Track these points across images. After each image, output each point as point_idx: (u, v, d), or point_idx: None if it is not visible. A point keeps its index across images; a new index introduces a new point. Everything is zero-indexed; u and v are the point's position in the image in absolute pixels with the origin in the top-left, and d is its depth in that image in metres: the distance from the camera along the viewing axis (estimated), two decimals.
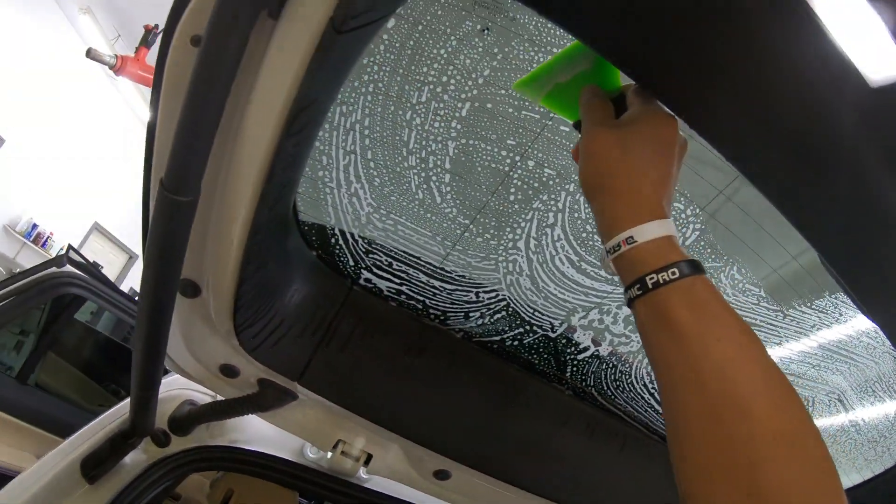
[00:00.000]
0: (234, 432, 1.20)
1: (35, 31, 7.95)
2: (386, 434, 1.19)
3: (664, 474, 1.34)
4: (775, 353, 1.23)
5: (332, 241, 1.04)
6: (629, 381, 1.26)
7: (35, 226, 8.88)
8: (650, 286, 0.58)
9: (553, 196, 1.00)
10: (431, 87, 0.89)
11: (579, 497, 1.31)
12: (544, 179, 0.98)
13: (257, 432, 1.23)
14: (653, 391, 1.28)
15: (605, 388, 1.26)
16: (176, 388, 1.20)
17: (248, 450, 1.16)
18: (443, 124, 0.93)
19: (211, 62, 0.58)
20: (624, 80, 0.76)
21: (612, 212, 0.63)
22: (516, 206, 1.01)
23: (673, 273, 0.57)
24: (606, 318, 1.16)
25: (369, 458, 1.22)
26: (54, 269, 2.59)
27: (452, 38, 0.84)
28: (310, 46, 0.60)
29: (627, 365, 1.24)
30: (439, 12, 0.81)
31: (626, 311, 1.16)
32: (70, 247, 3.17)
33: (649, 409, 1.31)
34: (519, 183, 0.98)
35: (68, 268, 2.67)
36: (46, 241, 9.05)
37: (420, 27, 0.82)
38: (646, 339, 0.60)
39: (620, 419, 1.31)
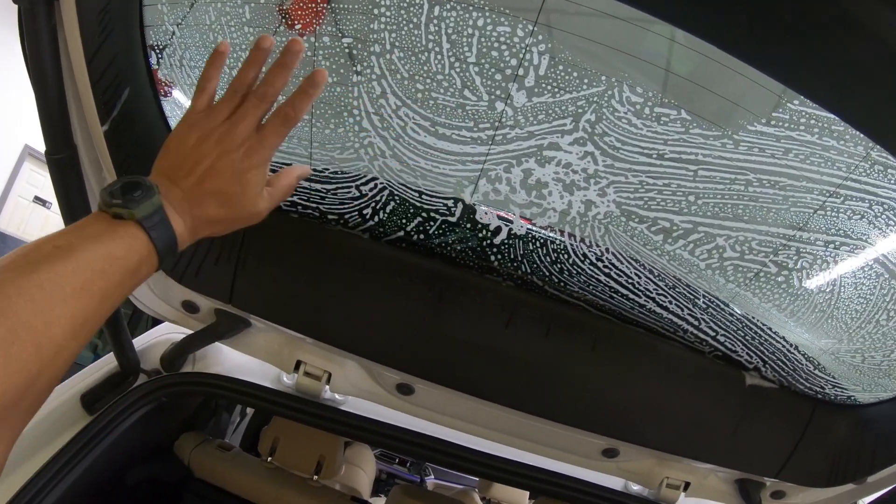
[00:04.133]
0: (217, 366, 1.39)
1: None
2: (340, 351, 1.27)
3: (654, 377, 1.18)
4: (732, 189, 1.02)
5: None
6: (571, 260, 1.14)
7: None
8: None
9: (365, 64, 1.01)
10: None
11: (551, 408, 1.20)
12: (346, 50, 1.01)
13: (239, 366, 1.41)
14: (608, 269, 1.14)
15: (548, 273, 1.16)
16: (165, 334, 1.44)
17: (222, 375, 1.34)
18: (238, 33, 1.03)
19: (34, 50, 0.84)
20: None
21: None
22: (339, 88, 1.05)
23: None
24: (501, 187, 1.10)
25: (330, 376, 1.31)
26: None
27: None
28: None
29: (559, 242, 1.13)
30: None
31: (519, 173, 1.09)
32: None
33: (616, 295, 1.16)
34: (326, 62, 1.02)
35: None
36: None
37: None
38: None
39: (584, 311, 1.19)
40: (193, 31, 1.08)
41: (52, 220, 8.46)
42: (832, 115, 0.93)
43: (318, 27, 1.01)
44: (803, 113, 0.94)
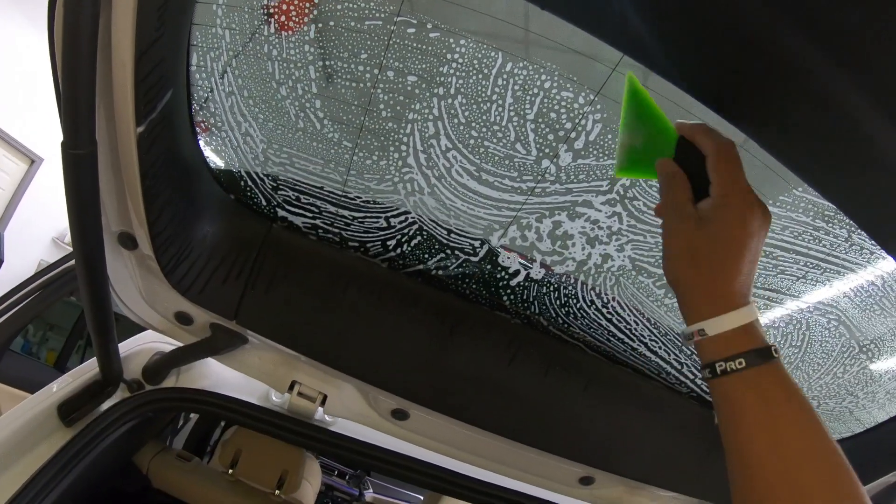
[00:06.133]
0: (203, 379, 1.36)
1: None
2: (338, 374, 1.28)
3: (637, 414, 1.29)
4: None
5: (242, 183, 1.17)
6: (578, 305, 1.23)
7: None
8: (718, 372, 0.68)
9: (424, 104, 1.04)
10: (275, 17, 1.00)
11: (542, 439, 1.29)
12: (409, 88, 1.03)
13: (224, 379, 1.38)
14: (611, 315, 1.24)
15: (555, 315, 1.25)
16: (148, 342, 1.39)
17: (213, 392, 1.31)
18: (297, 51, 1.02)
19: (73, 31, 0.75)
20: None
21: (689, 303, 0.73)
22: (391, 124, 1.07)
23: (739, 363, 0.66)
24: (529, 234, 1.17)
25: (326, 398, 1.31)
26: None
27: None
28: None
29: (570, 287, 1.22)
30: None
31: (549, 224, 1.16)
32: None
33: (612, 338, 1.27)
34: (385, 97, 1.04)
35: None
36: None
37: None
38: (718, 416, 0.70)
39: (581, 351, 1.28)
40: (245, 37, 1.05)
41: None
42: (826, 203, 1.08)
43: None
44: (803, 198, 1.08)
